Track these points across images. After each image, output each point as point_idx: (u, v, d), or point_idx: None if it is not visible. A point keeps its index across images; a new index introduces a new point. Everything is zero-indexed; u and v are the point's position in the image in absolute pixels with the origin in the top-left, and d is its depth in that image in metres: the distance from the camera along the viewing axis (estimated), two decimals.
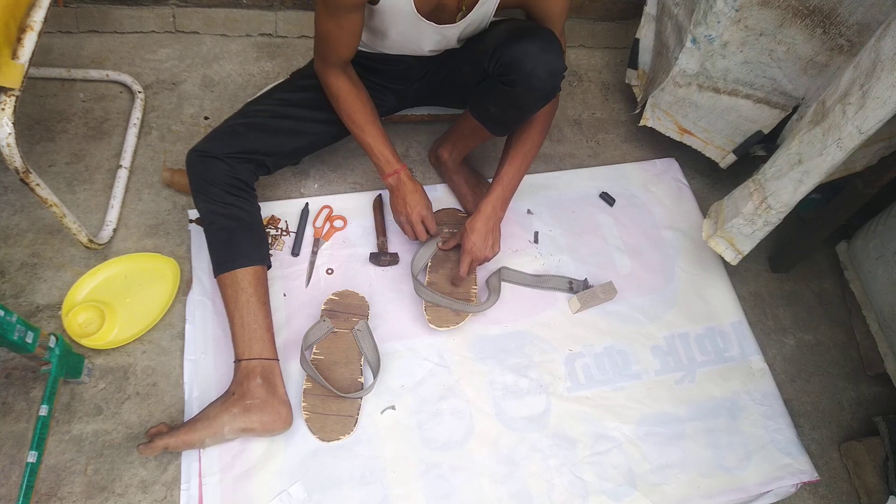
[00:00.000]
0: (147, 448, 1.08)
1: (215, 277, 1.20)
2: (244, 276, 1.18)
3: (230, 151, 1.21)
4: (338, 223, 1.47)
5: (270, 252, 1.39)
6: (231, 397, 1.14)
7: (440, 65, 1.37)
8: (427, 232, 1.34)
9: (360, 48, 1.31)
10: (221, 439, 1.13)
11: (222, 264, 1.19)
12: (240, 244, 1.20)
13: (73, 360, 1.14)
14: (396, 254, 1.44)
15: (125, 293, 1.30)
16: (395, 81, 1.39)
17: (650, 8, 1.63)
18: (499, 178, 1.31)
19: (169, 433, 1.10)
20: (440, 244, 1.39)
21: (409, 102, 1.50)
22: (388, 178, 1.30)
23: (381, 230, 1.46)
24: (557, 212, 1.59)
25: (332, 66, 1.22)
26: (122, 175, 1.43)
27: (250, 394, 1.14)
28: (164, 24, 1.69)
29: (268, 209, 1.45)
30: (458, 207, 1.53)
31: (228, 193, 1.20)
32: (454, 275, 1.35)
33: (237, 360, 1.16)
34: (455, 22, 1.18)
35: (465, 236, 1.30)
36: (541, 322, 1.41)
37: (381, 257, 1.42)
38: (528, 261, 1.49)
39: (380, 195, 1.51)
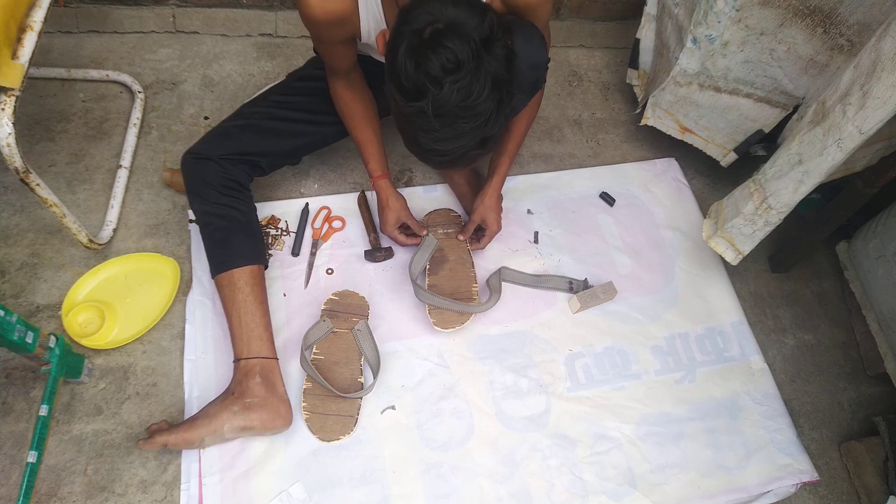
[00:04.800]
0: (146, 443, 1.08)
1: (212, 278, 1.20)
2: (241, 275, 1.18)
3: (224, 153, 1.22)
4: (336, 224, 1.47)
5: (270, 252, 1.40)
6: (231, 396, 1.14)
7: None
8: (416, 233, 1.40)
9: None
10: (221, 438, 1.13)
11: (219, 265, 1.19)
12: (235, 244, 1.20)
13: (73, 360, 1.14)
14: (390, 248, 1.44)
15: (125, 293, 1.30)
16: None
17: (650, 8, 1.63)
18: (497, 165, 1.37)
19: (169, 430, 1.10)
20: (461, 237, 1.42)
21: None
22: (371, 183, 1.37)
23: (370, 227, 1.46)
24: (557, 212, 1.58)
25: (332, 72, 1.26)
26: (122, 175, 1.43)
27: (250, 392, 1.14)
28: (164, 24, 1.69)
29: (268, 209, 1.45)
30: (451, 208, 1.53)
31: (223, 194, 1.21)
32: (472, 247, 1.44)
33: (236, 360, 1.17)
34: None
35: (488, 213, 1.38)
36: (541, 322, 1.41)
37: (376, 253, 1.43)
38: (528, 261, 1.49)
39: (363, 192, 1.52)
